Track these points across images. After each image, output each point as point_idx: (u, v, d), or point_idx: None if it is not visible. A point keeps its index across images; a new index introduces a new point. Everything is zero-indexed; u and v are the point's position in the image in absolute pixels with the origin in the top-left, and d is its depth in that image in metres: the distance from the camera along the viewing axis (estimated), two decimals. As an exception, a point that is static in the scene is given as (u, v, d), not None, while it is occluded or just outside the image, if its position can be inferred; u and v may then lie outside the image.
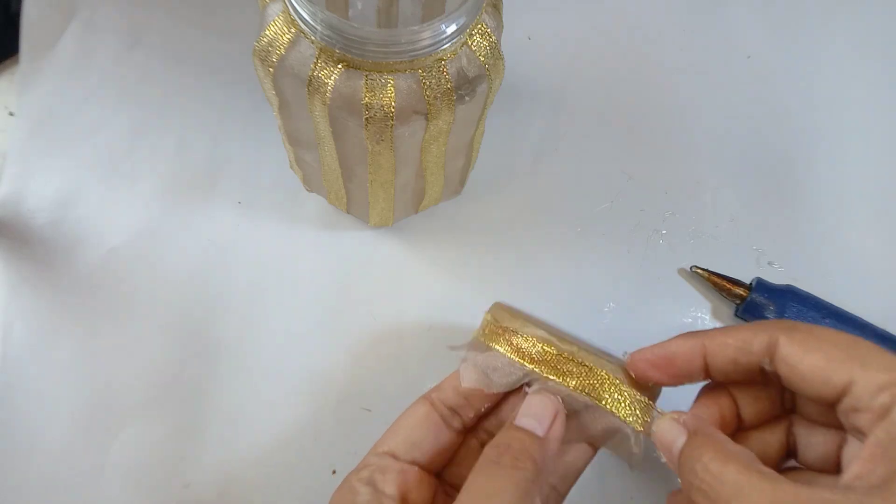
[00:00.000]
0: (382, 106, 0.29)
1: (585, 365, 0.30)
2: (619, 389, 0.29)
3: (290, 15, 0.28)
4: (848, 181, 0.47)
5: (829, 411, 0.25)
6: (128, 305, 0.40)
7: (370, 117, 0.29)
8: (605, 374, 0.30)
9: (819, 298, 0.41)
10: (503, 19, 0.32)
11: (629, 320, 0.42)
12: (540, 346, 0.30)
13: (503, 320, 0.32)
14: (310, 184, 0.41)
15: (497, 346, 0.31)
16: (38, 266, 0.41)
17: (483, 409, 0.32)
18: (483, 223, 0.44)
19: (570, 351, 0.30)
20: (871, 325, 0.40)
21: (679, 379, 0.29)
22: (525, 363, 0.30)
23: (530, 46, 0.49)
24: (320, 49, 0.28)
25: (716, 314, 0.43)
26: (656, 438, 0.28)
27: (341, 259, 0.42)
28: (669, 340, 0.29)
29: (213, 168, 0.44)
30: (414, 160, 0.34)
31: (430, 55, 0.28)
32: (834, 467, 0.26)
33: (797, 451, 0.28)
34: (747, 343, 0.26)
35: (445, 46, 0.28)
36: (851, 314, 0.41)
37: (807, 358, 0.24)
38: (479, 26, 0.30)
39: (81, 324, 0.40)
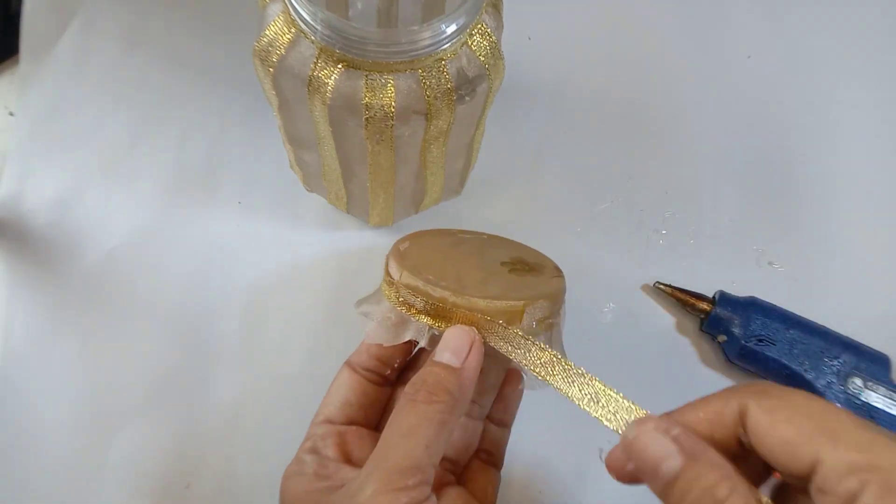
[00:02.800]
0: (382, 106, 0.29)
1: (465, 309, 0.29)
2: (504, 331, 0.28)
3: (290, 15, 0.28)
4: (848, 181, 0.47)
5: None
6: (128, 305, 0.40)
7: (370, 117, 0.29)
8: (484, 318, 0.28)
9: (782, 309, 0.41)
10: (503, 19, 0.32)
11: (629, 320, 0.42)
12: (420, 298, 0.29)
13: (392, 268, 0.31)
14: (310, 184, 0.41)
15: (389, 299, 0.31)
16: (38, 266, 0.41)
17: (398, 363, 0.33)
18: (483, 223, 0.44)
19: (444, 298, 0.29)
20: (835, 332, 0.40)
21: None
22: (413, 315, 0.30)
23: (530, 46, 0.49)
24: (320, 49, 0.28)
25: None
26: (632, 447, 0.24)
27: (341, 259, 0.42)
28: (637, 438, 0.24)
29: (213, 168, 0.44)
30: (414, 160, 0.34)
31: (431, 55, 0.28)
32: None
33: None
34: (719, 416, 0.23)
35: (445, 46, 0.28)
36: (815, 323, 0.40)
37: (775, 430, 0.22)
38: (479, 26, 0.30)
39: (81, 324, 0.40)
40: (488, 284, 0.31)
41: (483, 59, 0.30)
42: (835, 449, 0.20)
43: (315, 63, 0.28)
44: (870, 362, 0.39)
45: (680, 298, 0.42)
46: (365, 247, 0.43)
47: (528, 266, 0.34)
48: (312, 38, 0.28)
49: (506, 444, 0.34)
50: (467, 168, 0.41)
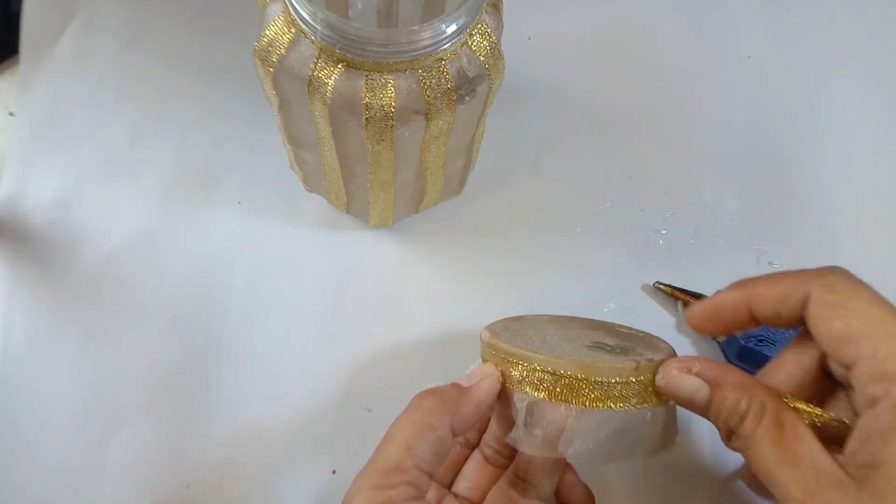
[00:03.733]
0: (382, 106, 0.29)
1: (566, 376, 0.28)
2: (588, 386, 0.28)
3: (290, 15, 0.28)
4: (848, 181, 0.47)
5: None
6: (128, 305, 0.40)
7: (370, 117, 0.29)
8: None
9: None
10: (503, 19, 0.32)
11: (629, 320, 0.42)
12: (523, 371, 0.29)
13: (492, 346, 0.31)
14: (310, 184, 0.41)
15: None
16: (38, 266, 0.41)
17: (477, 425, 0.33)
18: (483, 223, 0.44)
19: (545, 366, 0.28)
20: None
21: (730, 328, 0.29)
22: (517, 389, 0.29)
23: (530, 46, 0.49)
24: (320, 49, 0.28)
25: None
26: (667, 389, 0.27)
27: (341, 259, 0.42)
28: (717, 294, 0.29)
29: (213, 168, 0.44)
30: (414, 160, 0.34)
31: (431, 55, 0.28)
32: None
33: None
34: (785, 297, 0.26)
35: (445, 46, 0.28)
36: None
37: (829, 325, 0.24)
38: (480, 26, 0.30)
39: (81, 324, 0.40)
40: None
41: (483, 59, 0.30)
42: (873, 355, 0.23)
43: (315, 63, 0.28)
44: None
45: (680, 298, 0.42)
46: (365, 247, 0.43)
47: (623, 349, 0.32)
48: (312, 38, 0.28)
49: None
50: (467, 168, 0.41)
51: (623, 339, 0.33)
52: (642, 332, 0.35)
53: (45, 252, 0.41)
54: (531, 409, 0.28)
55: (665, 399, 0.29)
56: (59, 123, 0.44)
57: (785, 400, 0.26)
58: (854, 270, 0.44)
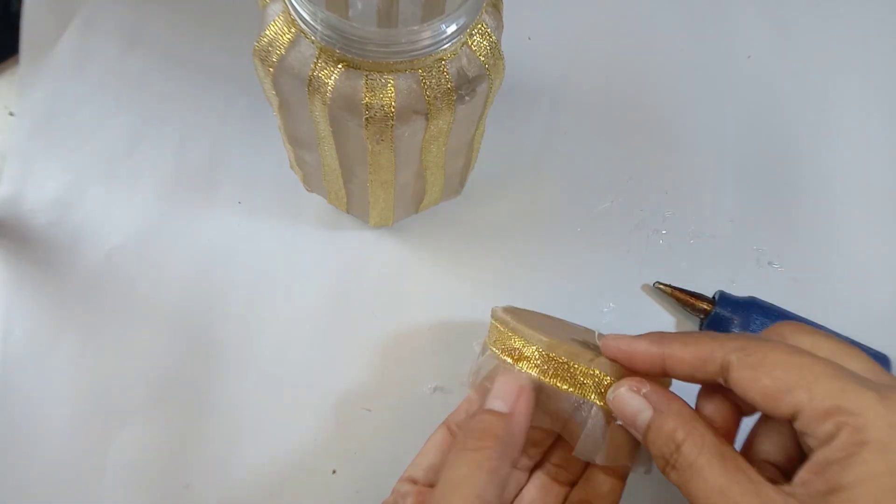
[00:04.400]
0: (382, 106, 0.29)
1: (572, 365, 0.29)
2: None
3: (290, 15, 0.28)
4: (848, 180, 0.47)
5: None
6: (128, 305, 0.40)
7: (370, 117, 0.29)
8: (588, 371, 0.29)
9: (782, 309, 0.41)
10: (503, 19, 0.32)
11: (629, 320, 0.42)
12: (533, 347, 0.30)
13: (501, 323, 0.32)
14: (310, 184, 0.41)
15: (495, 349, 0.31)
16: (38, 266, 0.41)
17: None
18: (483, 223, 0.44)
19: (556, 351, 0.29)
20: (835, 333, 0.39)
21: (642, 374, 0.29)
22: (523, 367, 0.30)
23: (530, 46, 0.49)
24: (320, 49, 0.28)
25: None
26: (615, 406, 0.28)
27: (341, 259, 0.42)
28: (638, 339, 0.28)
29: (213, 168, 0.44)
30: (414, 160, 0.34)
31: (431, 55, 0.28)
32: (786, 462, 0.27)
33: (754, 440, 0.28)
34: (701, 363, 0.26)
35: (445, 46, 0.28)
36: (815, 324, 0.40)
37: (756, 384, 0.24)
38: (480, 26, 0.30)
39: (81, 324, 0.40)
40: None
41: (483, 59, 0.30)
42: (811, 399, 0.23)
43: (315, 63, 0.28)
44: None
45: (680, 298, 0.42)
46: (365, 247, 0.43)
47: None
48: (312, 38, 0.28)
49: None
50: (467, 168, 0.41)
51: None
52: None
53: (46, 252, 0.41)
54: (597, 417, 0.29)
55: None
56: (59, 123, 0.44)
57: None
58: (854, 270, 0.44)
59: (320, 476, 0.38)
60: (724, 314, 0.40)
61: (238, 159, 0.44)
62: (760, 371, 0.24)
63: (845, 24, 0.52)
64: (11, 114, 0.45)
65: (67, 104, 0.45)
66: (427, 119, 0.30)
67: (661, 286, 0.42)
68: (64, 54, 0.46)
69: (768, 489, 0.23)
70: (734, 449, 0.25)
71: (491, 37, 0.30)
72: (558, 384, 0.29)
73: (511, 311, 0.34)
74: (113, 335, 0.40)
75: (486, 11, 0.30)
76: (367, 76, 0.28)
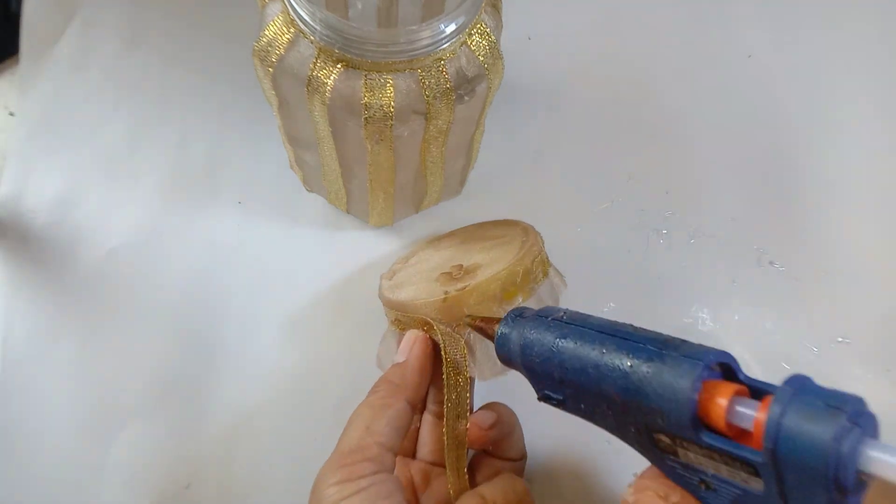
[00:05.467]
0: (382, 106, 0.29)
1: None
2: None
3: (289, 15, 0.28)
4: (848, 180, 0.47)
5: None
6: (128, 305, 0.40)
7: (369, 117, 0.29)
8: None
9: (560, 329, 0.27)
10: (503, 19, 0.32)
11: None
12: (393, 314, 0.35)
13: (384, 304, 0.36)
14: (310, 184, 0.41)
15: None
16: (38, 266, 0.41)
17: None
18: (483, 223, 0.44)
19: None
20: (618, 324, 0.28)
21: None
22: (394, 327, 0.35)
23: (530, 46, 0.49)
24: (319, 49, 0.28)
25: None
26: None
27: (341, 259, 0.42)
28: (637, 502, 0.25)
29: (213, 168, 0.44)
30: (414, 160, 0.34)
31: (430, 55, 0.28)
32: None
33: None
34: None
35: (444, 46, 0.28)
36: (592, 318, 0.29)
37: None
38: (479, 26, 0.30)
39: (81, 324, 0.40)
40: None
41: (482, 58, 0.30)
42: None
43: (314, 63, 0.28)
44: (669, 402, 0.22)
45: (479, 329, 0.30)
46: (365, 247, 0.43)
47: (463, 269, 0.35)
48: (312, 37, 0.28)
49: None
50: (467, 168, 0.41)
51: (496, 238, 0.37)
52: (495, 221, 0.41)
53: (46, 252, 0.41)
54: (476, 339, 0.31)
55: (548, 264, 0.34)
56: (59, 123, 0.44)
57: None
58: (854, 270, 0.44)
59: (320, 476, 0.38)
60: (504, 351, 0.28)
61: (238, 159, 0.44)
62: None
63: (845, 24, 0.52)
64: (11, 114, 0.45)
65: (67, 104, 0.45)
66: (426, 119, 0.30)
67: (469, 319, 0.31)
68: (64, 54, 0.46)
69: None
70: None
71: (490, 36, 0.30)
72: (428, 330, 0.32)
73: (390, 274, 0.39)
74: (113, 335, 0.40)
75: (485, 11, 0.30)
76: (366, 76, 0.28)
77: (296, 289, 0.41)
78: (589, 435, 0.40)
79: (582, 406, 0.26)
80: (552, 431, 0.39)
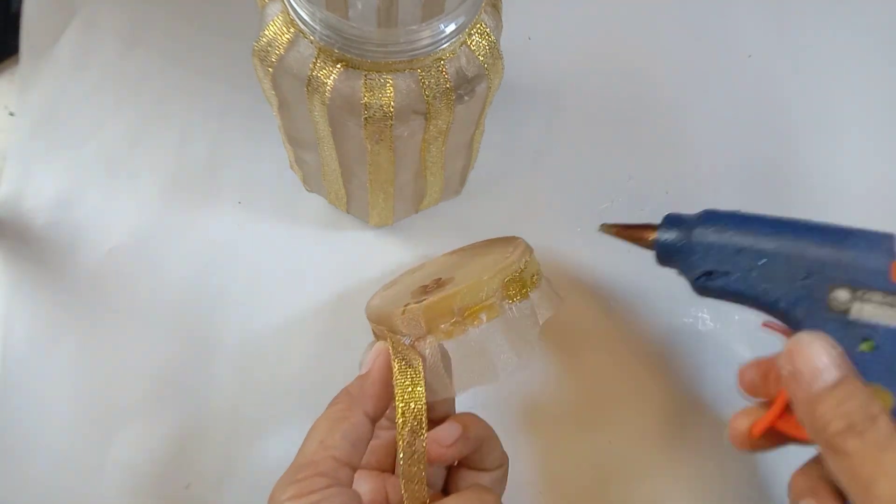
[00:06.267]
0: (381, 106, 0.29)
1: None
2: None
3: (289, 15, 0.28)
4: (848, 180, 0.47)
5: None
6: (128, 305, 0.40)
7: (369, 117, 0.29)
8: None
9: (742, 217, 0.31)
10: (503, 19, 0.32)
11: (629, 319, 0.42)
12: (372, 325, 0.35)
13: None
14: (310, 184, 0.41)
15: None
16: (38, 266, 0.41)
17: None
18: (483, 223, 0.44)
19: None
20: (812, 224, 0.30)
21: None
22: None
23: (530, 46, 0.49)
24: (319, 49, 0.28)
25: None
26: (800, 353, 0.26)
27: (341, 259, 0.42)
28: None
29: (213, 168, 0.44)
30: (413, 160, 0.34)
31: (430, 55, 0.28)
32: None
33: None
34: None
35: (444, 46, 0.28)
36: (785, 223, 0.31)
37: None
38: (479, 26, 0.30)
39: (81, 324, 0.40)
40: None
41: (482, 58, 0.30)
42: None
43: (314, 63, 0.28)
44: (862, 253, 0.28)
45: (626, 237, 0.34)
46: (365, 247, 0.43)
47: (439, 282, 0.35)
48: (311, 37, 0.28)
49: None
50: (467, 168, 0.41)
51: (485, 255, 0.36)
52: (499, 238, 0.39)
53: (45, 252, 0.41)
54: (434, 357, 0.30)
55: (536, 283, 0.32)
56: (59, 123, 0.44)
57: None
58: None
59: (320, 476, 0.38)
60: (669, 243, 0.33)
61: (238, 159, 0.44)
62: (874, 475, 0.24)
63: (845, 23, 0.52)
64: (11, 114, 0.45)
65: (67, 104, 0.45)
66: (426, 119, 0.30)
67: (606, 227, 0.35)
68: (64, 54, 0.46)
69: None
70: None
71: (490, 36, 0.30)
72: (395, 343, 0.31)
73: (378, 295, 0.38)
74: (113, 335, 0.40)
75: (485, 11, 0.30)
76: (366, 76, 0.28)
77: (295, 289, 0.41)
78: (589, 436, 0.40)
79: (754, 274, 0.29)
80: (547, 434, 0.39)
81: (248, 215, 0.43)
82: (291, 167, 0.41)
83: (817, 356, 0.26)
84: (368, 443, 0.29)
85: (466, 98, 0.30)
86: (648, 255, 0.44)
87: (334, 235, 0.43)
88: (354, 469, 0.27)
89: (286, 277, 0.42)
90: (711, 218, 0.32)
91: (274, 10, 0.29)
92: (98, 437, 0.38)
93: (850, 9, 0.52)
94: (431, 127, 0.31)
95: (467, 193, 0.43)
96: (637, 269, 0.43)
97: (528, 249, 0.35)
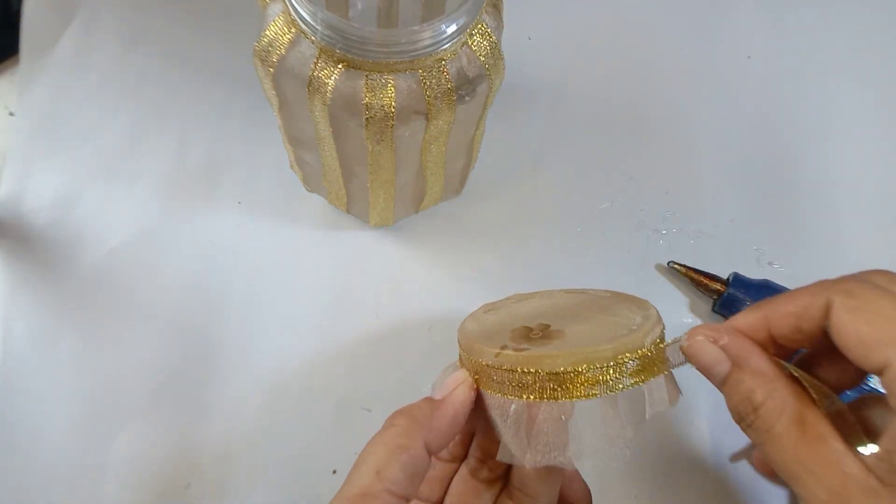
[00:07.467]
0: (383, 106, 0.29)
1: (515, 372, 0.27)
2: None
3: (290, 15, 0.28)
4: (848, 180, 0.47)
5: None
6: (128, 305, 0.40)
7: (370, 117, 0.29)
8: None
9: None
10: (503, 19, 0.32)
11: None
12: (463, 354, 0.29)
13: (465, 349, 0.30)
14: (310, 184, 0.41)
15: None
16: (38, 266, 0.41)
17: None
18: (483, 223, 0.44)
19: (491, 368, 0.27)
20: None
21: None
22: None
23: (530, 46, 0.49)
24: (320, 49, 0.28)
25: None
26: (689, 353, 0.26)
27: (341, 259, 0.42)
28: (733, 318, 0.27)
29: (213, 168, 0.44)
30: (414, 160, 0.34)
31: (431, 55, 0.28)
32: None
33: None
34: (807, 308, 0.25)
35: (446, 46, 0.28)
36: None
37: (854, 329, 0.23)
38: (480, 26, 0.30)
39: (81, 324, 0.40)
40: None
41: (483, 59, 0.30)
42: None
43: (315, 63, 0.28)
44: None
45: (694, 279, 0.42)
46: (365, 247, 0.43)
47: (546, 332, 0.30)
48: (313, 38, 0.28)
49: None
50: (467, 168, 0.41)
51: (607, 312, 0.31)
52: (626, 294, 0.34)
53: (46, 252, 0.41)
54: (519, 415, 0.26)
55: (660, 369, 0.27)
56: (59, 123, 0.44)
57: (793, 373, 0.25)
58: (854, 270, 0.44)
59: (320, 476, 0.38)
60: (737, 295, 0.40)
61: (238, 159, 0.44)
62: (861, 315, 0.23)
63: (845, 24, 0.52)
64: (11, 114, 0.45)
65: (67, 104, 0.45)
66: (427, 119, 0.30)
67: (676, 265, 0.42)
68: (64, 54, 0.46)
69: (850, 461, 0.22)
70: (818, 412, 0.24)
71: (491, 37, 0.30)
72: (485, 388, 0.27)
73: (477, 317, 0.33)
74: (113, 335, 0.40)
75: (486, 12, 0.30)
76: (367, 76, 0.28)
77: (296, 289, 0.41)
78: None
79: None
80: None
81: (248, 215, 0.43)
82: (291, 167, 0.41)
83: (703, 353, 0.26)
84: (425, 475, 0.27)
85: (467, 98, 0.30)
86: (648, 259, 0.44)
87: (334, 235, 0.43)
88: (409, 502, 0.26)
89: (286, 277, 0.42)
90: (771, 285, 0.40)
91: (275, 11, 0.29)
92: (98, 436, 0.38)
93: (849, 10, 0.52)
94: (432, 127, 0.31)
95: (467, 193, 0.43)
96: (636, 269, 0.44)
97: (660, 323, 0.29)
